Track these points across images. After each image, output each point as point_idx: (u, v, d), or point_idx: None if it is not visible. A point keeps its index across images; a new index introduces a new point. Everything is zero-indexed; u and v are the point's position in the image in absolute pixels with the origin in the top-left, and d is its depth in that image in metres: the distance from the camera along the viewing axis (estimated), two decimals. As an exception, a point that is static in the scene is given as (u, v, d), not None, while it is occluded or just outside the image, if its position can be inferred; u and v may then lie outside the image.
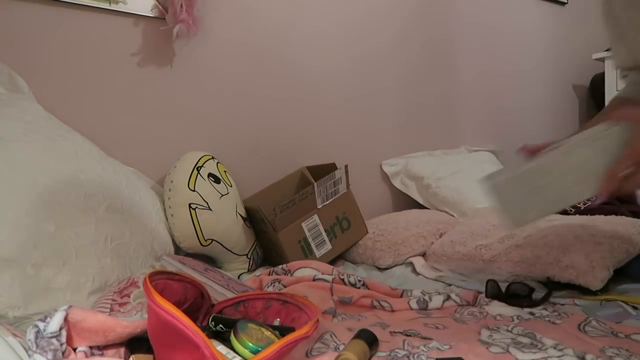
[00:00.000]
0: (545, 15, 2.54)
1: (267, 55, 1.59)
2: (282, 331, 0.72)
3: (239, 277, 1.32)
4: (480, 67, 2.23)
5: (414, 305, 1.00)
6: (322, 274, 1.17)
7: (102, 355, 0.69)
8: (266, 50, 1.58)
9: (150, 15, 1.33)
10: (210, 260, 1.35)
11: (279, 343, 0.62)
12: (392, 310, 0.99)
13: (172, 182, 1.26)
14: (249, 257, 1.38)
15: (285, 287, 1.12)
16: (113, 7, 1.27)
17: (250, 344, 0.66)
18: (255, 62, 1.56)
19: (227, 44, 1.50)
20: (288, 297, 0.82)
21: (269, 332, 0.70)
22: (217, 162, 1.38)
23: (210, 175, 1.32)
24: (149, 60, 1.36)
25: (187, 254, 1.26)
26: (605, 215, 1.33)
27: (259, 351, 0.62)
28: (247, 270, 1.37)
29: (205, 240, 1.26)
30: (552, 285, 1.08)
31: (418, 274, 1.34)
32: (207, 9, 1.43)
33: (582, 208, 1.55)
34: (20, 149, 0.96)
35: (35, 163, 0.96)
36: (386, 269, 1.40)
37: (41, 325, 0.67)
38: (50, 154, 1.00)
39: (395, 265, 1.41)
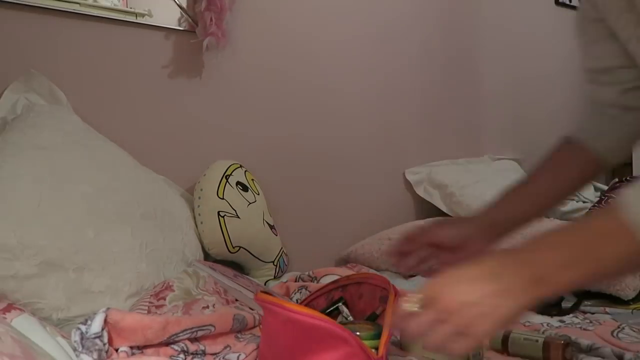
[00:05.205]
0: (568, 21, 2.52)
1: (293, 66, 1.62)
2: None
3: (265, 284, 1.34)
4: (503, 74, 2.23)
5: (441, 312, 1.00)
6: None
7: (142, 354, 0.71)
8: (292, 61, 1.62)
9: (180, 28, 1.38)
10: (237, 267, 1.37)
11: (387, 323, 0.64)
12: (419, 317, 1.00)
13: (201, 190, 1.29)
14: (275, 264, 1.40)
15: (311, 293, 1.13)
16: (139, 20, 1.32)
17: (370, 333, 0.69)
18: (281, 73, 1.59)
19: (254, 55, 1.53)
20: (343, 281, 0.86)
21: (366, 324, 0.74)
22: (245, 171, 1.41)
23: (238, 183, 1.35)
24: (180, 72, 1.41)
25: (216, 261, 1.29)
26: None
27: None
28: (273, 277, 1.39)
29: (233, 247, 1.29)
30: (582, 294, 1.07)
31: (443, 281, 1.34)
32: (235, 22, 1.47)
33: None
34: (61, 158, 1.01)
35: (75, 172, 1.00)
36: (411, 275, 1.40)
37: (83, 327, 0.71)
38: (89, 163, 1.05)
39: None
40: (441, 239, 0.67)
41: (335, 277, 1.24)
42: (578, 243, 0.44)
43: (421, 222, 0.71)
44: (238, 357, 0.73)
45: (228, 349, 0.79)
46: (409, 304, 0.49)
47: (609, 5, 0.64)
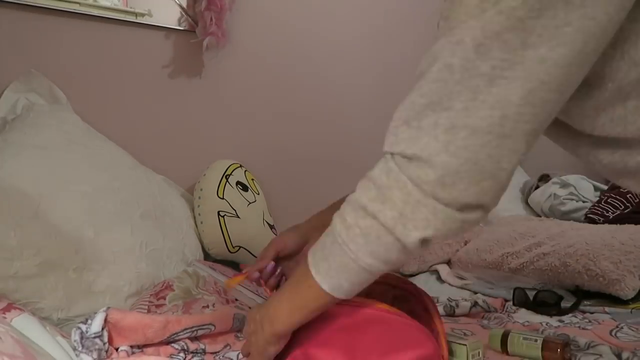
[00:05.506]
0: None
1: (293, 66, 1.62)
2: None
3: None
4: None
5: (440, 311, 1.01)
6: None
7: (142, 353, 0.72)
8: (291, 61, 1.62)
9: (180, 28, 1.38)
10: (237, 267, 1.37)
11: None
12: (419, 317, 1.00)
13: (201, 190, 1.29)
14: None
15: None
16: (139, 20, 1.32)
17: None
18: (281, 73, 1.59)
19: (254, 55, 1.53)
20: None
21: None
22: (245, 170, 1.41)
23: (238, 183, 1.35)
24: (180, 71, 1.41)
25: (216, 260, 1.29)
26: (636, 224, 1.32)
27: None
28: (273, 277, 1.39)
29: (233, 247, 1.29)
30: (581, 294, 1.07)
31: (443, 281, 1.34)
32: (235, 22, 1.47)
33: (611, 217, 1.53)
34: (61, 158, 1.01)
35: (75, 171, 1.00)
36: (410, 275, 1.41)
37: (83, 327, 0.71)
38: (89, 163, 1.05)
39: (420, 272, 1.41)
40: (287, 248, 0.78)
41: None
42: (290, 299, 0.60)
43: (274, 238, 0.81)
44: (238, 356, 0.74)
45: (228, 347, 0.79)
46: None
47: None
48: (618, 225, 1.33)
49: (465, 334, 0.86)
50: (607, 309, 0.99)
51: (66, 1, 1.20)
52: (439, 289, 1.29)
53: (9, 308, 0.70)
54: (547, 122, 0.46)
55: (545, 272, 1.14)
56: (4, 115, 1.08)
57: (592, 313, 0.98)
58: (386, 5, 1.87)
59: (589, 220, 1.57)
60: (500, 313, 1.00)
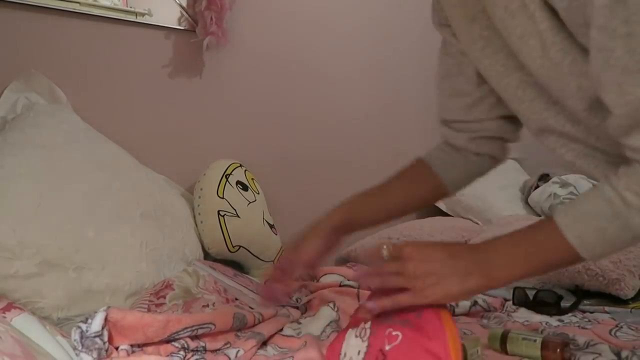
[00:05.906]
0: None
1: (293, 65, 1.62)
2: None
3: (265, 284, 1.34)
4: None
5: (440, 311, 1.01)
6: (348, 280, 1.19)
7: (142, 352, 0.72)
8: (291, 60, 1.62)
9: (180, 28, 1.38)
10: (237, 266, 1.37)
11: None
12: (419, 316, 1.00)
13: (201, 189, 1.29)
14: (275, 263, 1.40)
15: (312, 292, 1.14)
16: (139, 19, 1.32)
17: None
18: (281, 72, 1.59)
19: (254, 54, 1.54)
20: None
21: None
22: (245, 170, 1.41)
23: (238, 182, 1.35)
24: (180, 71, 1.41)
25: (216, 260, 1.29)
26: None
27: None
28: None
29: (233, 247, 1.29)
30: (581, 294, 1.07)
31: (443, 281, 1.34)
32: (235, 21, 1.47)
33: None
34: (61, 157, 1.01)
35: (75, 171, 1.00)
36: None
37: (83, 326, 0.71)
38: (89, 163, 1.05)
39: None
40: (312, 254, 0.71)
41: (335, 277, 1.24)
42: (520, 251, 0.55)
43: (290, 250, 0.75)
44: (237, 353, 0.74)
45: (228, 345, 0.79)
46: (384, 249, 0.58)
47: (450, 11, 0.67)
48: (618, 224, 1.33)
49: (465, 334, 0.86)
50: (606, 308, 0.99)
51: (66, 1, 1.20)
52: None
53: (9, 307, 0.70)
54: None
55: (545, 271, 1.14)
56: (4, 115, 1.08)
57: (591, 312, 0.98)
58: (386, 3, 1.87)
59: (588, 219, 1.56)
60: (500, 312, 1.00)
